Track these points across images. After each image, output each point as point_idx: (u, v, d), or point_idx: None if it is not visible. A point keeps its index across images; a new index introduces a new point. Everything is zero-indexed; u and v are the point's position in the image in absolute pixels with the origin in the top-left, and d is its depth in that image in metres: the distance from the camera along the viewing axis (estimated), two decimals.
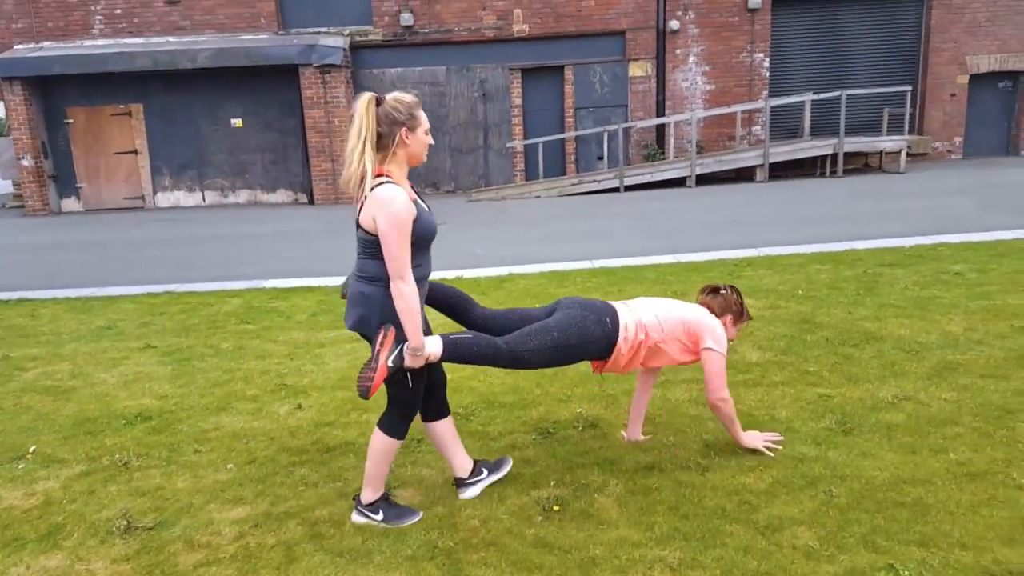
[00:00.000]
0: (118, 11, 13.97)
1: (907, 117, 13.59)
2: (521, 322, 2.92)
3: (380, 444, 2.74)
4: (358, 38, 14.24)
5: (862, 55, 14.96)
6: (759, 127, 15.02)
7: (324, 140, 13.85)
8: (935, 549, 2.39)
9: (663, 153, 14.80)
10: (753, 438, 3.13)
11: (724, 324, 3.09)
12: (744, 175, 14.16)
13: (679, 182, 13.77)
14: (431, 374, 2.82)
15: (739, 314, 3.16)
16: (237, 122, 14.33)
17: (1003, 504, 2.62)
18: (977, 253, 6.77)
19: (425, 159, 2.66)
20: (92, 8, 13.96)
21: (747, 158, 13.82)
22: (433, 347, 2.61)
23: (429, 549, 2.60)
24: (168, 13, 14.01)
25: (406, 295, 2.48)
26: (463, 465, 2.94)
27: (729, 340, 3.10)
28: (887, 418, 3.37)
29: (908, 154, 15.01)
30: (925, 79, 14.90)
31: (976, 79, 14.90)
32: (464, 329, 2.96)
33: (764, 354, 4.36)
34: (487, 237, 9.72)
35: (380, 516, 2.78)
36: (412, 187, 2.65)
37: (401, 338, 2.56)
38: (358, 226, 2.58)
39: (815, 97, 13.88)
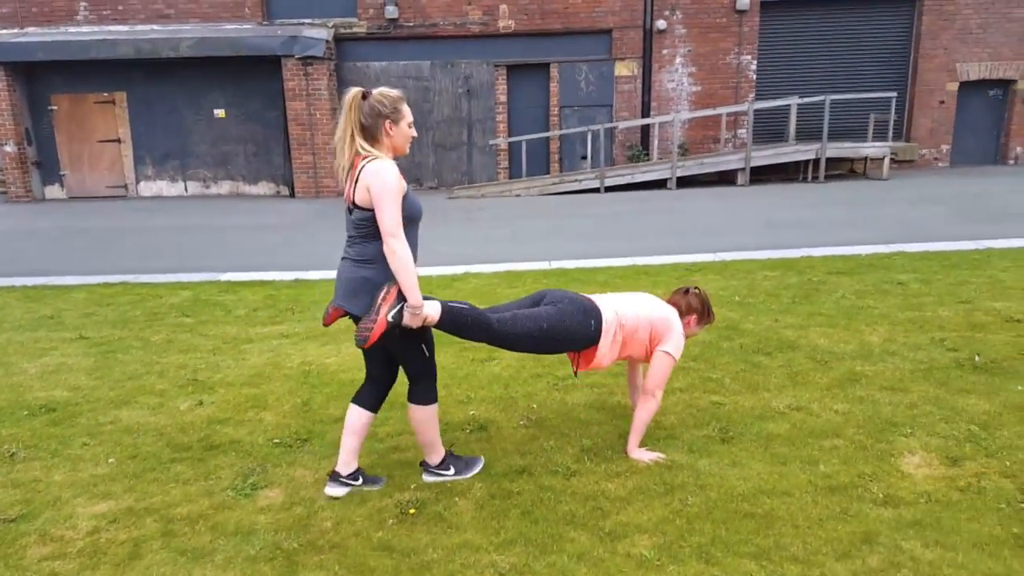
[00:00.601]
0: None
1: (891, 123, 13.49)
2: (509, 312, 3.02)
3: (423, 415, 2.93)
4: (342, 30, 14.23)
5: (851, 60, 14.84)
6: (744, 130, 14.92)
7: (306, 132, 13.86)
8: (766, 562, 2.37)
9: (647, 154, 14.75)
10: (640, 453, 3.14)
11: (688, 323, 3.25)
12: (727, 178, 14.10)
13: (661, 184, 13.71)
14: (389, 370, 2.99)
15: (703, 314, 3.30)
16: (220, 113, 14.35)
17: (851, 518, 2.59)
18: (930, 263, 6.71)
19: (408, 151, 2.82)
20: None
21: (729, 161, 13.75)
22: (431, 310, 2.72)
23: (272, 550, 2.59)
24: (153, 1, 14.02)
25: (399, 252, 2.61)
26: (349, 461, 2.98)
27: (690, 335, 3.29)
28: (770, 428, 3.34)
29: (895, 161, 14.93)
30: (914, 85, 14.77)
31: (966, 87, 14.75)
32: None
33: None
34: (456, 235, 9.71)
35: (452, 471, 3.03)
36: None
37: (402, 296, 2.66)
38: (353, 207, 2.71)
39: (800, 101, 13.78)
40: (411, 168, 14.95)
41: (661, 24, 14.36)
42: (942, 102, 14.72)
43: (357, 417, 2.98)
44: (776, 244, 8.00)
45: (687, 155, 14.79)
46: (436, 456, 3.03)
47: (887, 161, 13.50)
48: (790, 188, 13.10)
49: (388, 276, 2.67)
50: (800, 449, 3.13)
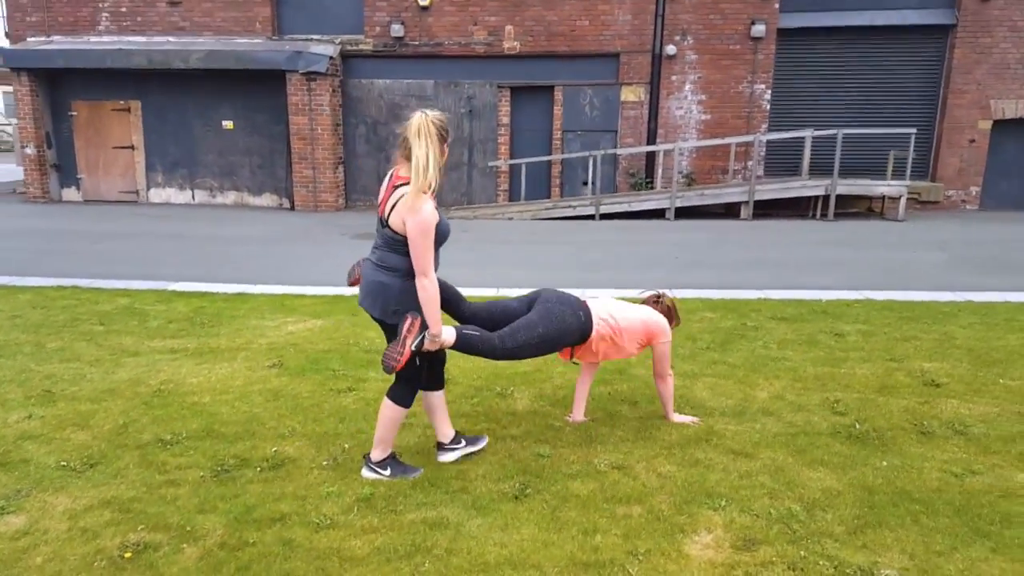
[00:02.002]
0: (123, 9, 14.42)
1: (909, 161, 12.80)
2: (503, 315, 3.34)
3: (390, 412, 3.14)
4: (349, 47, 14.33)
5: (874, 93, 14.21)
6: (755, 162, 14.41)
7: (307, 147, 13.95)
8: None
9: (651, 183, 14.36)
10: (679, 418, 3.75)
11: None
12: (733, 211, 13.60)
13: (661, 214, 13.31)
14: (436, 353, 3.24)
15: (673, 320, 3.81)
16: (228, 124, 14.57)
17: None
18: (888, 314, 6.21)
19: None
20: (100, 5, 14.44)
21: (731, 193, 13.26)
22: (448, 336, 3.04)
23: None
24: (170, 13, 14.39)
25: (429, 290, 2.90)
26: (446, 432, 3.33)
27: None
28: (575, 487, 3.02)
29: (918, 202, 14.20)
30: (943, 122, 14.03)
31: (1001, 125, 13.93)
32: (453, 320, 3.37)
33: (532, 403, 4.02)
34: None
35: (388, 472, 3.17)
36: None
37: (424, 326, 2.96)
38: (385, 224, 2.96)
39: (811, 134, 13.23)
40: None
41: (671, 49, 14.02)
42: (972, 141, 13.94)
43: (430, 399, 3.29)
44: (741, 283, 7.57)
45: (693, 185, 14.36)
46: (380, 454, 3.19)
47: (903, 201, 12.80)
48: (794, 225, 12.54)
49: (401, 284, 2.95)
50: (590, 515, 2.80)
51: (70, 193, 15.10)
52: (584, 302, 3.43)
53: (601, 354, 3.48)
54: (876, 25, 13.71)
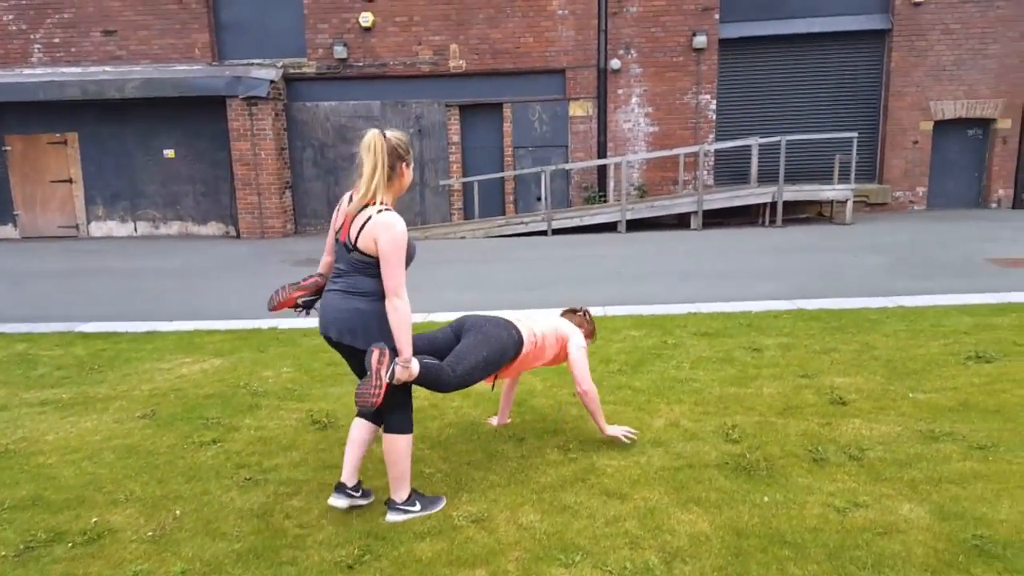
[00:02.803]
0: (56, 40, 14.08)
1: (853, 165, 12.77)
2: (428, 346, 3.22)
3: (399, 444, 2.98)
4: (292, 70, 14.09)
5: (817, 99, 14.22)
6: (705, 171, 14.34)
7: (251, 173, 13.66)
8: None
9: (604, 196, 14.22)
10: (614, 429, 3.61)
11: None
12: (685, 221, 13.48)
13: (613, 227, 13.15)
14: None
15: (591, 332, 3.89)
16: (170, 153, 14.25)
17: None
18: (815, 324, 6.03)
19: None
20: (31, 37, 14.10)
21: (681, 204, 13.15)
22: (415, 366, 2.89)
23: None
24: (105, 43, 14.07)
25: (401, 310, 2.78)
26: (352, 474, 3.08)
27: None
28: (420, 549, 2.75)
29: (867, 204, 14.21)
30: (886, 124, 14.06)
31: (941, 126, 13.99)
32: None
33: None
34: None
35: (418, 507, 3.03)
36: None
37: (393, 354, 2.82)
38: (352, 248, 2.84)
39: (756, 142, 13.18)
40: None
41: (615, 64, 13.94)
42: (915, 142, 13.97)
43: (361, 431, 3.06)
44: (678, 297, 7.38)
45: (645, 197, 14.24)
46: (404, 492, 3.02)
47: (850, 205, 12.76)
48: (742, 233, 12.44)
49: (377, 308, 2.82)
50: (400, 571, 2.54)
51: (6, 231, 14.66)
52: (509, 320, 3.41)
53: (522, 366, 3.49)
54: (814, 32, 13.76)
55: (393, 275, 2.76)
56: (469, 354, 3.13)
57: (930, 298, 6.84)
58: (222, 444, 3.87)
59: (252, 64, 13.99)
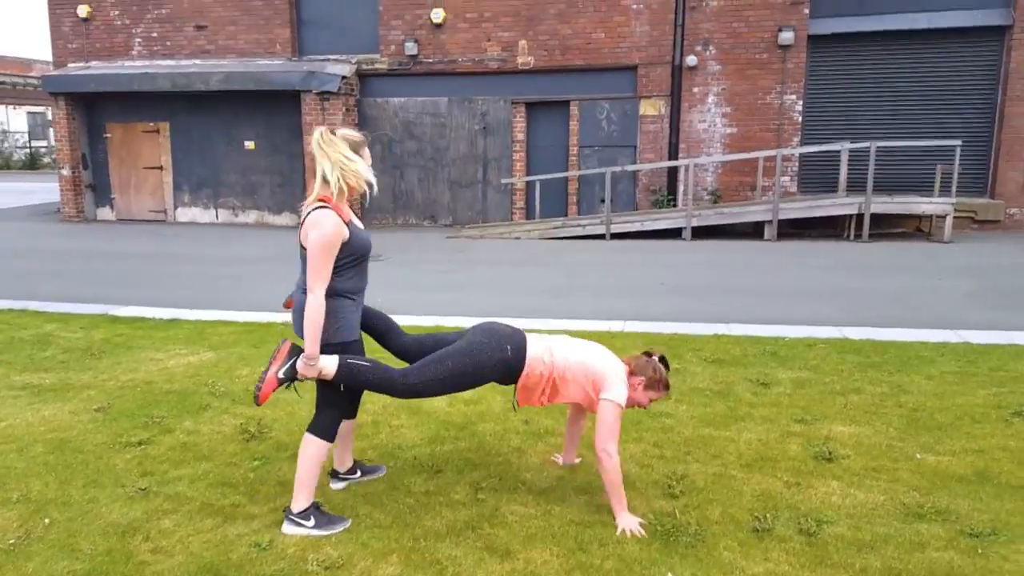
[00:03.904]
0: (154, 35, 14.87)
1: (955, 176, 11.44)
2: (434, 348, 3.09)
3: (312, 448, 2.93)
4: (365, 66, 14.22)
5: (920, 102, 12.86)
6: (787, 177, 13.31)
7: None
8: None
9: (673, 200, 13.50)
10: (629, 520, 2.93)
11: (633, 385, 3.06)
12: (761, 230, 12.55)
13: (678, 233, 12.41)
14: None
15: (654, 382, 3.11)
16: (250, 144, 14.74)
17: None
18: (852, 356, 5.34)
19: (365, 189, 2.89)
20: (133, 31, 14.96)
21: (754, 212, 12.24)
22: (328, 364, 2.81)
23: None
24: (196, 37, 14.72)
25: (312, 306, 2.76)
26: (345, 462, 3.33)
27: (637, 405, 3.13)
28: None
29: (976, 221, 12.73)
30: (1001, 132, 12.53)
31: None
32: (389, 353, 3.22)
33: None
34: (396, 278, 9.06)
35: (312, 523, 2.91)
36: (353, 211, 2.99)
37: (295, 351, 2.85)
38: (301, 245, 2.90)
39: (847, 147, 12.07)
40: (427, 205, 14.61)
41: (692, 60, 13.16)
42: None
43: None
44: (712, 316, 6.76)
45: (719, 202, 13.40)
46: (304, 502, 2.94)
47: (949, 220, 11.45)
48: (820, 247, 11.41)
49: (331, 305, 2.81)
50: None
51: (104, 212, 15.66)
52: (520, 336, 3.04)
53: (542, 397, 3.05)
54: (919, 29, 12.41)
55: (312, 270, 2.77)
56: (433, 363, 2.91)
57: (1006, 334, 5.91)
58: (146, 447, 3.77)
59: (328, 60, 14.23)
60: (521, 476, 3.36)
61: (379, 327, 3.20)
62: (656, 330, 6.29)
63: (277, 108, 14.31)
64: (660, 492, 3.18)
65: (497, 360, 2.92)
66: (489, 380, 2.99)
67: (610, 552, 2.71)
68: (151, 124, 15.06)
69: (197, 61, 14.74)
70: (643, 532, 2.86)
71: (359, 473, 3.36)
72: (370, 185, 2.87)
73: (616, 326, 6.46)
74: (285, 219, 15.04)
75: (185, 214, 15.39)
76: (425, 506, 3.10)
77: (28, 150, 33.94)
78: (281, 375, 2.79)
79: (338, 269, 2.83)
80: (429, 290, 8.52)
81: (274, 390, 2.81)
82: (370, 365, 2.87)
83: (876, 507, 3.01)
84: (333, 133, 2.81)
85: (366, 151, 2.89)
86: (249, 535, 2.88)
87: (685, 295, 7.90)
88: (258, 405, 2.85)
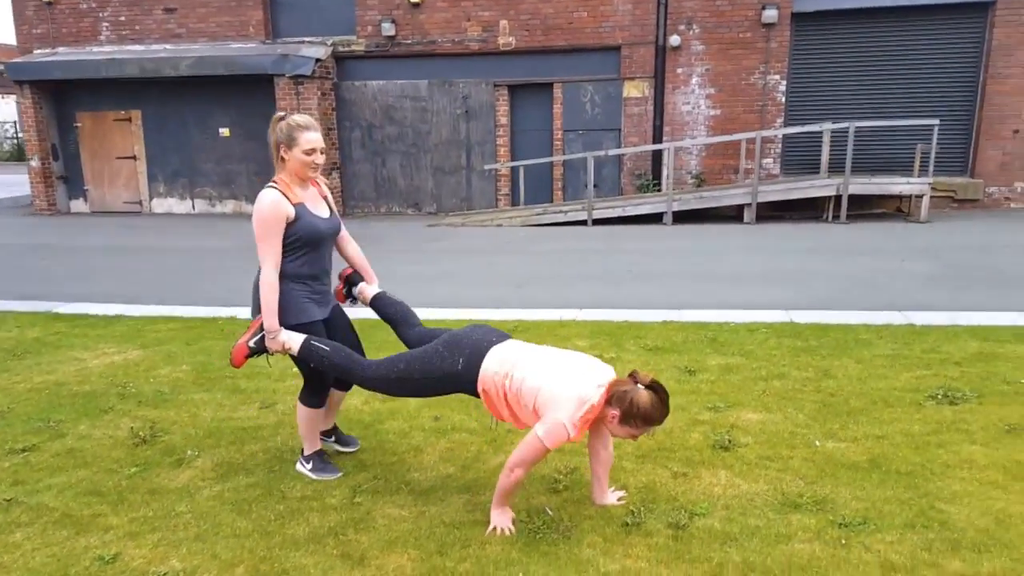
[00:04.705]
0: (122, 18, 14.61)
1: (933, 155, 11.19)
2: (418, 340, 3.05)
3: (302, 413, 3.23)
4: (341, 48, 14.02)
5: (904, 81, 12.56)
6: (770, 159, 13.11)
7: None
8: None
9: (658, 184, 13.32)
10: (501, 519, 2.73)
11: (609, 418, 2.59)
12: (743, 214, 12.36)
13: (661, 218, 12.23)
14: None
15: (629, 417, 2.55)
16: (225, 132, 14.59)
17: None
18: (791, 341, 5.15)
19: (311, 174, 2.98)
20: (100, 15, 14.68)
21: (734, 195, 12.03)
22: (290, 339, 2.94)
23: None
24: (166, 20, 14.50)
25: (263, 284, 2.91)
26: (324, 424, 3.45)
27: (614, 434, 2.69)
28: None
29: (956, 200, 12.52)
30: (982, 111, 12.26)
31: None
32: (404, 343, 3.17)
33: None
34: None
35: (310, 466, 3.27)
36: (322, 193, 3.13)
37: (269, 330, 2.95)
38: None
39: (827, 127, 11.85)
40: (410, 192, 14.47)
41: (675, 40, 12.92)
42: (1016, 131, 12.10)
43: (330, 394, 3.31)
44: (671, 302, 6.56)
45: (703, 186, 13.22)
46: (308, 448, 3.29)
47: (926, 200, 11.23)
48: (797, 229, 11.21)
49: (280, 287, 2.93)
50: None
51: (78, 205, 15.50)
52: (484, 348, 2.74)
53: (511, 417, 2.72)
54: (903, 5, 12.12)
55: (259, 249, 2.89)
56: (389, 362, 2.87)
57: (950, 315, 5.73)
58: (29, 455, 3.60)
59: (303, 42, 14.05)
60: (408, 476, 3.20)
61: (394, 316, 3.21)
62: (608, 318, 6.14)
63: (251, 93, 14.13)
64: (544, 487, 3.01)
65: (445, 373, 2.74)
66: (447, 391, 2.82)
67: (469, 554, 2.55)
68: (122, 112, 14.84)
69: (167, 46, 14.54)
70: (513, 530, 2.69)
71: (333, 439, 3.50)
72: (313, 167, 2.92)
73: (569, 315, 6.30)
74: None
75: (161, 205, 15.27)
76: (296, 512, 2.94)
77: (16, 140, 32.71)
78: (251, 344, 2.94)
79: (286, 251, 2.92)
80: (394, 282, 8.31)
81: (246, 356, 2.97)
82: (330, 350, 2.92)
83: (755, 497, 2.86)
84: (282, 119, 2.93)
85: (306, 136, 2.90)
86: (97, 548, 2.72)
87: (651, 282, 7.73)
88: (235, 367, 3.05)
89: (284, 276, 2.94)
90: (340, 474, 3.25)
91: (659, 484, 3.04)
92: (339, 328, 3.23)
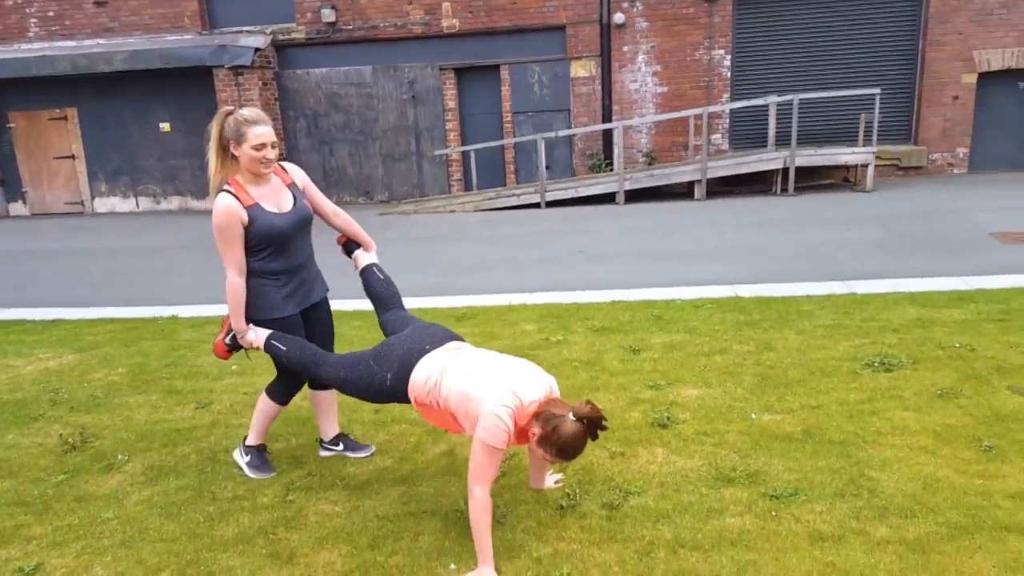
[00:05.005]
0: (51, 13, 14.06)
1: (876, 124, 11.37)
2: (392, 332, 2.94)
3: (263, 405, 3.20)
4: (281, 37, 13.69)
5: (846, 51, 12.73)
6: (719, 135, 13.21)
7: None
8: None
9: (610, 164, 13.32)
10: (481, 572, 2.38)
11: (530, 434, 2.37)
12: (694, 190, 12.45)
13: (614, 197, 12.24)
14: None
15: (548, 442, 2.32)
16: (165, 127, 14.16)
17: None
18: (735, 315, 5.19)
19: (264, 171, 2.87)
20: (27, 11, 14.11)
21: (684, 172, 12.10)
22: (255, 337, 2.95)
23: None
24: (97, 15, 13.97)
25: (229, 288, 2.88)
26: (326, 431, 3.38)
27: (532, 449, 2.46)
28: None
29: (901, 168, 12.78)
30: (922, 78, 12.51)
31: (988, 79, 12.31)
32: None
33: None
34: None
35: (247, 459, 3.22)
36: (289, 187, 3.00)
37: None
38: None
39: (771, 101, 11.97)
40: (360, 181, 14.25)
41: (619, 18, 12.89)
42: (956, 98, 12.37)
43: (317, 398, 3.33)
44: (620, 282, 6.55)
45: (654, 164, 13.26)
46: (253, 439, 3.24)
47: (871, 169, 11.44)
48: (747, 203, 11.33)
49: (250, 284, 2.91)
50: None
51: (17, 208, 14.94)
52: (416, 357, 2.59)
53: (454, 424, 2.56)
54: None
55: (220, 252, 2.85)
56: (338, 361, 2.82)
57: (892, 283, 5.84)
58: None
59: (241, 32, 13.67)
60: (343, 472, 3.14)
61: (375, 294, 3.14)
62: (557, 300, 6.13)
63: (190, 86, 13.71)
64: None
65: (376, 388, 2.67)
66: (389, 401, 2.73)
67: (402, 547, 2.50)
68: (57, 111, 14.29)
69: (100, 40, 14.02)
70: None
71: (342, 446, 3.37)
72: (264, 162, 2.81)
73: (519, 299, 6.28)
74: (209, 204, 14.52)
75: (104, 204, 14.79)
76: (226, 513, 2.86)
77: None
78: (227, 341, 2.99)
79: (250, 251, 2.88)
80: (337, 272, 8.26)
81: (227, 351, 3.01)
82: (289, 347, 2.91)
83: (689, 473, 2.87)
84: (229, 114, 2.85)
85: (254, 130, 2.79)
86: (19, 559, 2.62)
87: (601, 262, 7.71)
88: (221, 358, 3.07)
89: (253, 273, 2.90)
90: (274, 473, 3.18)
91: (596, 465, 3.02)
92: (317, 322, 3.17)
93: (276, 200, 2.93)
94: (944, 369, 3.91)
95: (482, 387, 2.40)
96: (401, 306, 3.10)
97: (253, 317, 2.95)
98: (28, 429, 3.92)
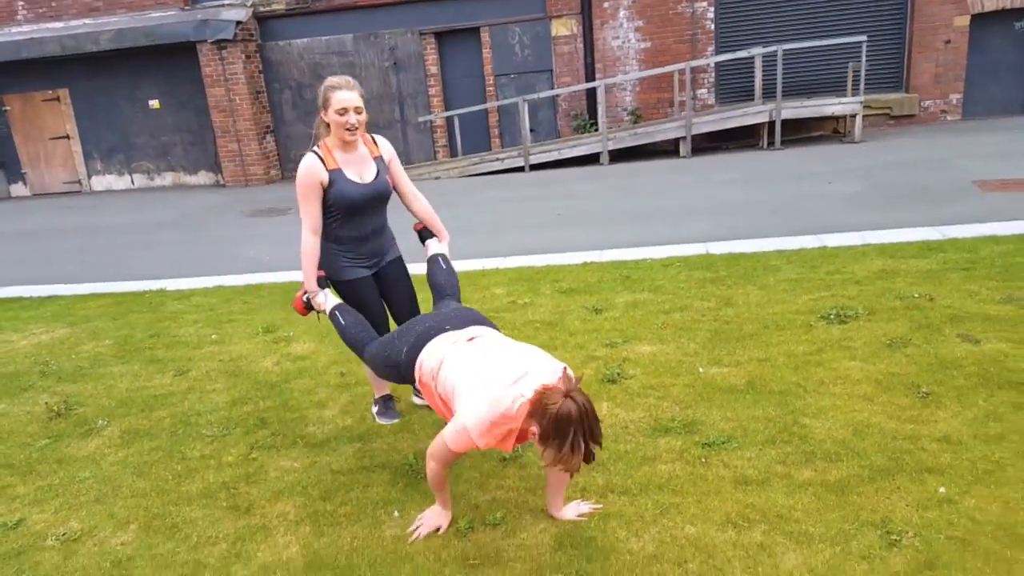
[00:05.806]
0: None
1: (863, 73, 11.27)
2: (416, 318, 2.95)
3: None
4: (262, 8, 13.60)
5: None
6: (705, 90, 13.11)
7: (228, 119, 13.45)
8: None
9: (595, 124, 13.26)
10: (431, 515, 2.50)
11: (530, 434, 2.15)
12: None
13: (598, 158, 12.24)
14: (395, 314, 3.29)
15: (549, 437, 2.08)
16: (155, 103, 14.20)
17: None
18: (701, 273, 5.31)
19: (348, 138, 2.90)
20: None
21: (668, 130, 12.07)
22: (325, 301, 3.03)
23: None
24: None
25: (303, 245, 2.97)
26: (381, 388, 3.43)
27: (537, 446, 2.20)
28: None
29: (892, 117, 12.68)
30: (913, 23, 12.33)
31: (981, 20, 12.13)
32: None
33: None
34: (278, 236, 8.74)
35: (375, 409, 3.42)
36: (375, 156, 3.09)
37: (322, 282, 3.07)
38: None
39: (757, 52, 11.85)
40: None
41: None
42: (948, 42, 12.20)
43: None
44: (593, 244, 6.65)
45: (640, 122, 13.21)
46: (375, 393, 3.43)
47: (859, 120, 11.37)
48: (732, 159, 11.33)
49: (323, 246, 3.02)
50: None
51: (18, 189, 15.14)
52: (433, 334, 2.54)
53: (436, 409, 2.51)
54: None
55: (300, 210, 2.96)
56: (380, 341, 2.81)
57: (862, 235, 5.91)
58: None
59: (222, 6, 13.59)
60: (305, 431, 3.33)
61: (433, 284, 3.10)
62: (529, 263, 6.24)
63: (176, 62, 13.70)
64: (432, 431, 3.21)
65: (393, 361, 2.63)
66: (405, 381, 2.65)
67: (351, 498, 2.70)
68: (50, 92, 14.37)
69: (87, 20, 14.00)
70: (441, 531, 2.47)
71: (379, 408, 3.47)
72: (348, 127, 2.84)
73: (492, 264, 6.40)
74: (201, 178, 14.66)
75: (100, 182, 14.92)
76: (193, 471, 3.06)
77: None
78: (305, 299, 3.06)
79: (326, 214, 2.96)
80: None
81: (304, 307, 3.08)
82: (348, 323, 2.93)
83: (629, 425, 3.03)
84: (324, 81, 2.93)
85: (337, 95, 2.83)
86: (3, 515, 2.84)
87: (579, 224, 7.79)
88: (299, 314, 3.14)
89: (327, 236, 3.01)
90: (398, 419, 3.34)
91: None
92: (395, 282, 3.25)
93: (360, 170, 2.99)
94: (898, 320, 3.97)
95: (469, 389, 2.25)
96: (457, 297, 3.06)
97: (326, 276, 3.07)
98: (19, 399, 4.13)
